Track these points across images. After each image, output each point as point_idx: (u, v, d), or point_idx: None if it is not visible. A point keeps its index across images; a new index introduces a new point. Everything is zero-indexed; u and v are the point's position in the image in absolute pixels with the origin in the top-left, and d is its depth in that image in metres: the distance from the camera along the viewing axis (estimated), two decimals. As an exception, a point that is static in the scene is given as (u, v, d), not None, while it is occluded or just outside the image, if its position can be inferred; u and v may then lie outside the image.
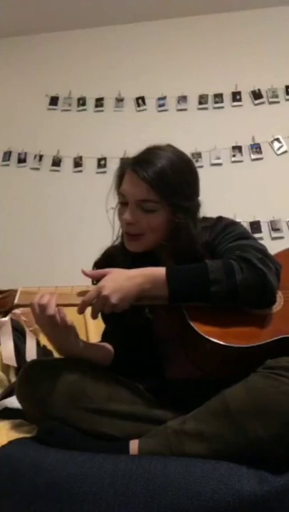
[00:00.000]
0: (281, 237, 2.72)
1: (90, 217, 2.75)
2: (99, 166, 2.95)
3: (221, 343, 1.01)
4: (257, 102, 2.89)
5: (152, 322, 1.19)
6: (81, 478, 0.90)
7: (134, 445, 1.00)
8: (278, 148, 2.83)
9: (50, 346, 1.51)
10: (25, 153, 3.05)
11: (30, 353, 1.75)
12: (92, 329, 1.96)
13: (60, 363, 1.14)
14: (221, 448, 0.93)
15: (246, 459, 0.91)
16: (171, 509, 0.84)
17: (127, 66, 3.05)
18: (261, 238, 2.66)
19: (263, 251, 1.11)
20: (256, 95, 2.90)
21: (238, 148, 2.85)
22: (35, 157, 3.03)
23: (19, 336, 1.79)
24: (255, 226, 2.72)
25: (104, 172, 2.90)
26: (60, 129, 3.05)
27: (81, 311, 1.05)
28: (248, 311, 1.09)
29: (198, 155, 2.83)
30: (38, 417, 1.09)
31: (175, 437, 0.97)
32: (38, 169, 3.03)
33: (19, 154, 3.05)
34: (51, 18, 3.02)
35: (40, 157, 3.02)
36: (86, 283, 1.13)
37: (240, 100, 2.91)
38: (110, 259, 1.24)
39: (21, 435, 1.11)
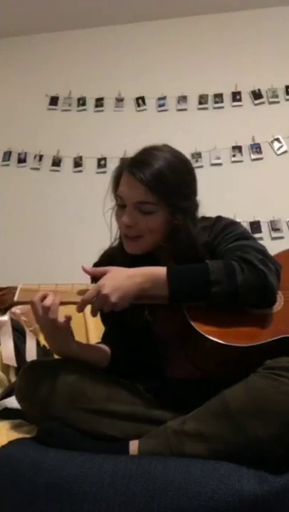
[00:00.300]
0: (281, 237, 2.72)
1: (90, 217, 2.74)
2: (99, 166, 2.95)
3: (221, 342, 1.01)
4: (257, 102, 2.89)
5: (152, 323, 1.19)
6: (81, 479, 0.90)
7: (134, 445, 1.00)
8: (278, 148, 2.83)
9: (49, 347, 1.51)
10: (25, 153, 3.05)
11: (30, 353, 1.75)
12: (92, 329, 1.96)
13: (59, 364, 1.14)
14: (221, 448, 0.93)
15: (246, 459, 0.91)
16: (171, 509, 0.84)
17: (127, 66, 3.05)
18: (261, 238, 2.66)
19: (263, 251, 1.11)
20: (256, 95, 2.90)
21: (238, 148, 2.85)
22: (35, 157, 3.03)
23: (19, 336, 1.79)
24: (255, 226, 2.72)
25: (105, 172, 2.90)
26: (60, 129, 3.05)
27: (80, 310, 1.05)
28: (248, 310, 1.09)
29: (198, 155, 2.83)
30: (37, 417, 1.09)
31: (175, 437, 0.97)
32: (38, 169, 3.03)
33: (19, 154, 3.06)
34: (51, 18, 3.02)
35: (40, 157, 3.03)
36: (86, 282, 1.13)
37: (240, 100, 2.91)
38: (110, 260, 1.24)
39: (21, 435, 1.11)
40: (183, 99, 2.97)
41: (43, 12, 2.96)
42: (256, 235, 2.60)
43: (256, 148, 2.83)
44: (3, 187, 3.04)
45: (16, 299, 1.09)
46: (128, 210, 1.14)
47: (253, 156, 2.83)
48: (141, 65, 3.03)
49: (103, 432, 1.05)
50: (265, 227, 2.73)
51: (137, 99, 3.01)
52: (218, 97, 2.92)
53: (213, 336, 1.02)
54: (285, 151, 2.82)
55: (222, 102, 2.92)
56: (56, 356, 1.20)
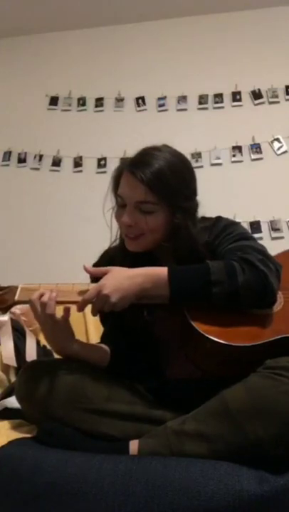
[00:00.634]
0: (281, 237, 2.72)
1: (90, 217, 2.74)
2: (99, 166, 2.95)
3: (222, 341, 1.01)
4: (257, 102, 2.90)
5: (152, 323, 1.19)
6: (81, 479, 0.90)
7: (134, 445, 1.00)
8: (278, 148, 2.83)
9: (49, 346, 1.51)
10: (25, 153, 3.05)
11: (30, 353, 1.75)
12: (92, 329, 1.96)
13: (59, 364, 1.14)
14: (221, 448, 0.93)
15: (246, 459, 0.91)
16: (170, 509, 0.84)
17: (127, 66, 3.05)
18: (261, 238, 2.66)
19: (263, 252, 1.11)
20: (256, 95, 2.90)
21: (238, 148, 2.85)
22: (35, 157, 3.03)
23: (19, 336, 1.79)
24: (255, 226, 2.72)
25: (105, 172, 2.90)
26: (60, 129, 3.05)
27: (80, 309, 1.05)
28: (248, 310, 1.09)
29: (198, 155, 2.83)
30: (37, 417, 1.09)
31: (175, 437, 0.97)
32: (38, 169, 3.03)
33: (19, 154, 3.06)
34: (51, 18, 3.02)
35: (40, 157, 3.03)
36: (86, 281, 1.13)
37: (240, 100, 2.91)
38: (110, 260, 1.24)
39: (21, 435, 1.11)
40: (183, 99, 2.97)
41: (43, 12, 2.96)
42: (256, 235, 2.60)
43: (256, 148, 2.84)
44: (3, 187, 3.04)
45: (16, 298, 1.09)
46: (128, 209, 1.15)
47: (253, 156, 2.83)
48: (141, 65, 3.03)
49: (103, 431, 1.05)
50: (265, 227, 2.73)
51: (137, 99, 3.01)
52: (218, 97, 2.93)
53: (214, 335, 1.02)
54: (285, 151, 2.82)
55: (222, 102, 2.92)
56: (56, 356, 1.20)
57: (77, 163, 2.99)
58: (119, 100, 3.03)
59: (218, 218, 1.25)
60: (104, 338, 1.30)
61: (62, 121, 3.06)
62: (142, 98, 3.01)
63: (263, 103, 2.89)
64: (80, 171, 2.98)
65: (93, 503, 0.87)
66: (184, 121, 2.92)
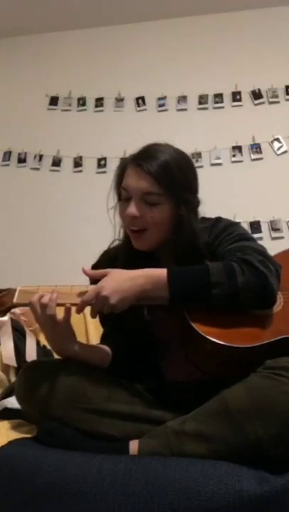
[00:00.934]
0: (281, 237, 2.72)
1: (90, 217, 2.75)
2: (99, 166, 2.95)
3: (222, 343, 1.01)
4: (257, 102, 2.90)
5: (152, 324, 1.19)
6: (81, 479, 0.90)
7: (133, 445, 1.00)
8: (278, 148, 2.83)
9: (50, 346, 1.51)
10: (25, 153, 3.05)
11: (30, 353, 1.75)
12: (92, 329, 1.96)
13: (59, 364, 1.14)
14: (221, 448, 0.93)
15: (246, 459, 0.91)
16: (170, 509, 0.84)
17: (127, 66, 3.05)
18: (261, 238, 2.66)
19: (263, 253, 1.11)
20: (256, 95, 2.90)
21: (238, 148, 2.85)
22: (35, 157, 3.03)
23: (19, 336, 1.79)
24: (255, 226, 2.72)
25: (105, 172, 2.91)
26: (60, 129, 3.05)
27: (79, 311, 1.05)
28: (248, 311, 1.09)
29: (198, 155, 2.83)
30: (37, 417, 1.09)
31: (175, 438, 0.97)
32: (38, 169, 3.03)
33: (19, 154, 3.06)
34: (51, 18, 3.02)
35: (40, 157, 3.03)
36: (85, 283, 1.13)
37: (240, 100, 2.91)
38: (110, 260, 1.24)
39: (21, 435, 1.11)
40: (183, 99, 2.97)
41: (43, 12, 2.96)
42: (256, 235, 2.60)
43: (256, 148, 2.84)
44: (3, 187, 3.04)
45: (15, 300, 1.09)
46: (134, 200, 1.15)
47: (253, 156, 2.83)
48: (141, 65, 3.03)
49: (103, 431, 1.05)
50: (265, 227, 2.73)
51: (137, 99, 3.01)
52: (218, 97, 2.93)
53: (214, 336, 1.02)
54: (285, 151, 2.82)
55: (222, 102, 2.92)
56: (56, 356, 1.21)
57: (77, 163, 2.99)
58: (119, 100, 3.03)
59: (218, 219, 1.26)
60: (104, 339, 1.30)
61: (62, 121, 3.07)
62: (142, 98, 3.01)
63: (263, 103, 2.89)
64: (80, 171, 2.98)
65: (93, 503, 0.87)
66: (184, 121, 2.93)
